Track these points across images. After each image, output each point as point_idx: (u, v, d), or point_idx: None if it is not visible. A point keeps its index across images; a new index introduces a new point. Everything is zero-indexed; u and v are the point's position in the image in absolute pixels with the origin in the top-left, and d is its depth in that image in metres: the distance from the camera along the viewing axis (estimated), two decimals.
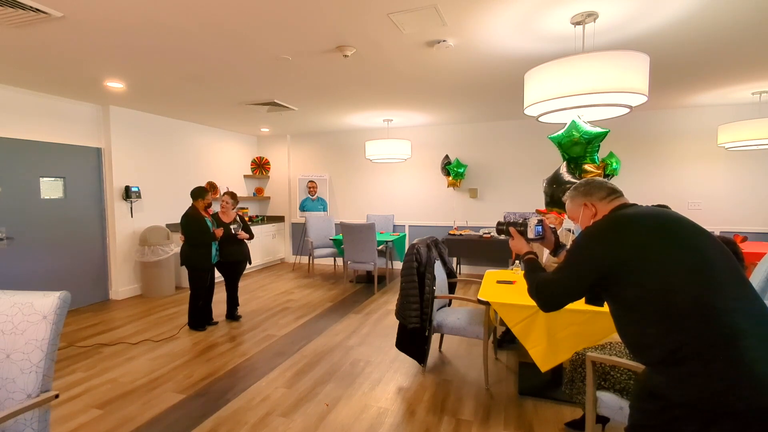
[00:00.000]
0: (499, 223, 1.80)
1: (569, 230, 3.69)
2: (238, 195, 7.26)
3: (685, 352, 1.05)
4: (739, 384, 0.99)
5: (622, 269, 1.17)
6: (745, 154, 5.25)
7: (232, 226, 4.06)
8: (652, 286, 1.12)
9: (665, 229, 1.17)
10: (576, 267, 1.28)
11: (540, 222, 1.71)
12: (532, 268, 1.49)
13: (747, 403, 0.98)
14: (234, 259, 4.18)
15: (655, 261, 1.13)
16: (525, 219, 1.73)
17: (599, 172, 3.07)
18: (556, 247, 1.74)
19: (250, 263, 4.38)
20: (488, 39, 2.94)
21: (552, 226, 1.81)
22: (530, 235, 1.69)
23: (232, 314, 4.31)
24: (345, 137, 7.27)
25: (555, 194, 3.10)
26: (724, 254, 1.15)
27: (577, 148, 2.92)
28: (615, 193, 1.40)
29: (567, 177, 3.06)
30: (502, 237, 1.84)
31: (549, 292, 1.34)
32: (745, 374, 0.99)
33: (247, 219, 4.42)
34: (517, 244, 1.68)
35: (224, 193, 4.19)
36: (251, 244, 4.70)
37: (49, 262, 4.52)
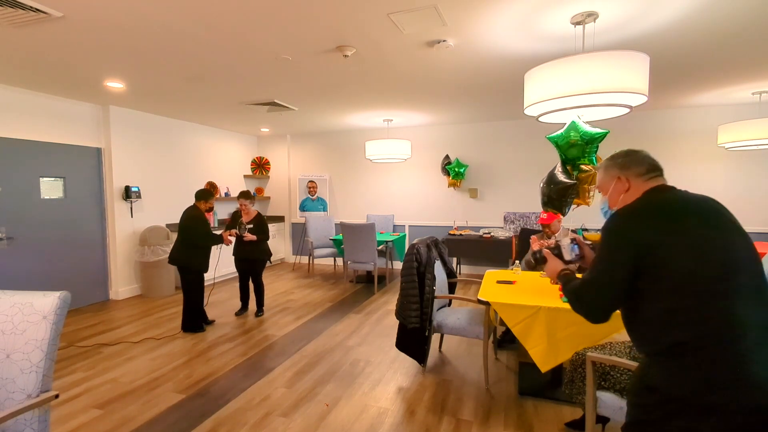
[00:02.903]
0: (534, 253, 1.60)
1: (568, 230, 3.68)
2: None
3: (690, 345, 1.05)
4: (736, 382, 1.00)
5: (649, 256, 1.09)
6: (745, 154, 5.24)
7: (239, 228, 4.14)
8: (675, 278, 1.07)
9: (705, 223, 1.11)
10: (611, 256, 1.15)
11: (574, 240, 1.54)
12: (569, 281, 1.35)
13: (743, 400, 0.99)
14: (253, 257, 4.31)
15: (684, 254, 1.07)
16: (557, 241, 1.56)
17: (596, 172, 3.06)
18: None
19: (270, 262, 4.45)
20: (488, 39, 2.94)
21: (589, 242, 1.67)
22: (567, 257, 1.52)
23: (260, 309, 4.50)
24: (345, 137, 7.26)
25: (551, 194, 3.09)
26: (754, 259, 1.11)
27: (574, 150, 2.91)
28: (656, 171, 1.25)
29: (560, 177, 3.05)
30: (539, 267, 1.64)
31: (589, 294, 1.20)
32: (742, 373, 1.00)
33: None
34: (553, 266, 1.50)
35: (240, 196, 4.27)
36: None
37: (49, 262, 4.52)
